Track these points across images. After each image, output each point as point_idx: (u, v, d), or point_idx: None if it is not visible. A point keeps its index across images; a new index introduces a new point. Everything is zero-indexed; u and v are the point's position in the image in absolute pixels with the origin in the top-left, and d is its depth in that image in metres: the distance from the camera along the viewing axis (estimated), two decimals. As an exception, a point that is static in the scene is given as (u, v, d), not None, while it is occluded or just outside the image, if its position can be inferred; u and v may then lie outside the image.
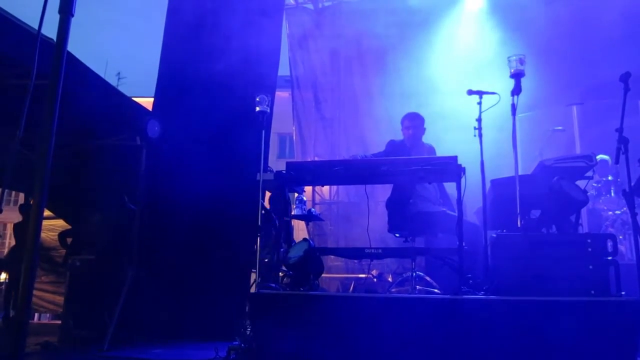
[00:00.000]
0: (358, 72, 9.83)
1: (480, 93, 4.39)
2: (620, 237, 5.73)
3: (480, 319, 3.37)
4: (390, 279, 7.11)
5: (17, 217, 7.13)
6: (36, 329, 6.41)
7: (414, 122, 5.28)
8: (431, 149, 5.28)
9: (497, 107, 4.31)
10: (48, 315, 8.31)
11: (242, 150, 5.53)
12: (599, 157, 5.81)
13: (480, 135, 4.31)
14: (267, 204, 5.34)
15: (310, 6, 10.26)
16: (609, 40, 7.28)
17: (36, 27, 1.89)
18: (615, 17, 7.34)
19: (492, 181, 4.50)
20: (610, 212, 6.03)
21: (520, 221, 3.86)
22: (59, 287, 6.97)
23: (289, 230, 4.77)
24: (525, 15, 8.17)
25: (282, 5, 8.21)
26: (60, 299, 6.59)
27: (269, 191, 5.10)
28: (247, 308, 3.98)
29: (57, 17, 1.79)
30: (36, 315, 8.26)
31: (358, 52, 9.81)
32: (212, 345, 4.09)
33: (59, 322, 6.32)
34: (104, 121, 5.22)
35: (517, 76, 4.07)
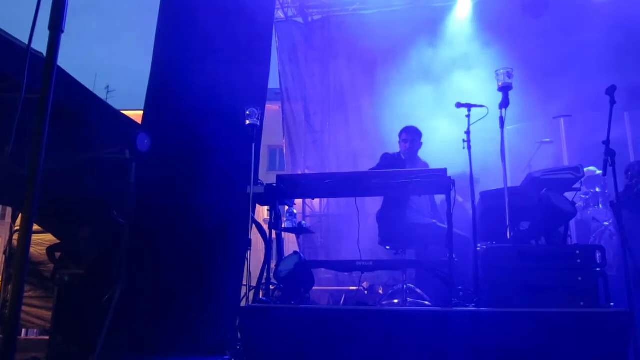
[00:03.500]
0: (347, 85, 9.90)
1: (468, 106, 4.42)
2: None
3: (471, 330, 3.38)
4: (381, 292, 7.10)
5: (4, 232, 7.05)
6: (23, 345, 6.32)
7: (412, 136, 5.32)
8: (425, 166, 5.30)
9: (486, 119, 4.34)
10: (35, 330, 8.19)
11: (233, 163, 5.52)
12: (587, 169, 5.88)
13: (470, 148, 4.33)
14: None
15: (299, 19, 10.33)
16: (596, 54, 7.38)
17: (26, 42, 1.89)
18: (602, 30, 7.45)
19: (482, 193, 4.53)
20: (598, 224, 6.07)
21: (510, 233, 3.88)
22: (47, 302, 6.88)
23: (280, 243, 4.75)
24: (513, 28, 8.27)
25: (272, 18, 8.25)
26: (48, 314, 6.50)
27: (260, 204, 5.10)
28: (237, 322, 3.96)
29: (47, 32, 1.79)
30: (23, 330, 8.15)
31: (347, 65, 9.89)
32: (202, 360, 4.06)
33: (47, 337, 6.24)
34: (93, 135, 5.19)
35: (505, 89, 4.11)
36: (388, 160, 5.19)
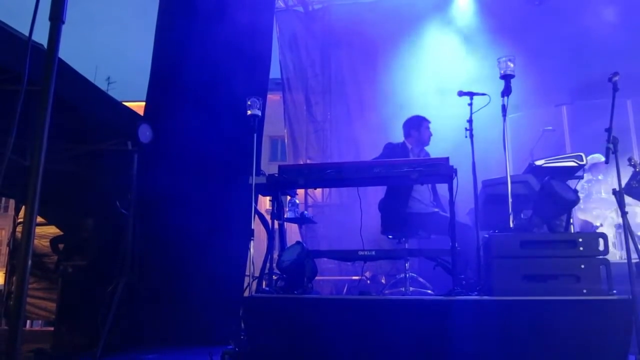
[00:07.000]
0: (349, 74, 9.86)
1: (470, 94, 4.42)
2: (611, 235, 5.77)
3: (474, 319, 3.39)
4: (383, 281, 7.13)
5: (7, 224, 7.07)
6: (28, 336, 6.36)
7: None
8: (427, 155, 5.28)
9: (488, 108, 4.33)
10: (40, 322, 8.25)
11: (235, 154, 5.53)
12: (590, 157, 5.86)
13: (472, 136, 4.33)
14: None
15: (300, 9, 10.26)
16: (598, 41, 7.34)
17: (27, 33, 1.89)
18: (604, 16, 7.40)
19: (484, 182, 4.53)
20: (601, 211, 6.06)
21: (512, 221, 3.88)
22: (51, 294, 6.92)
23: (282, 233, 4.76)
24: (515, 15, 8.21)
25: (272, 8, 8.21)
26: (52, 306, 6.55)
27: (262, 195, 5.10)
28: (241, 312, 3.98)
29: (48, 23, 1.79)
30: (28, 322, 8.20)
31: (348, 55, 9.84)
32: (206, 350, 4.08)
33: (52, 329, 6.28)
34: (95, 126, 5.20)
35: (507, 77, 4.09)
36: (392, 150, 5.16)
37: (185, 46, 6.25)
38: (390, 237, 5.25)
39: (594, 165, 6.10)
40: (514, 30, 7.91)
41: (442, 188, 4.65)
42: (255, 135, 4.68)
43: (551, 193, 3.85)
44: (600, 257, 3.47)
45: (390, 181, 4.70)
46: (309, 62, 10.23)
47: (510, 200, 3.89)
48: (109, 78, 30.04)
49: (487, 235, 3.83)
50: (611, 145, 3.65)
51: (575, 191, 3.98)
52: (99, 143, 5.48)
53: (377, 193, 5.83)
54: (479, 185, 4.35)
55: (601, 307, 3.26)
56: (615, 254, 5.54)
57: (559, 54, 7.75)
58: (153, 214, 5.57)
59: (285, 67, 10.14)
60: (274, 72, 7.81)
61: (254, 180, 4.56)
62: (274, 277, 4.45)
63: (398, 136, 5.44)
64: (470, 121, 4.36)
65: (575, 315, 3.26)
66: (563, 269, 3.47)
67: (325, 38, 10.11)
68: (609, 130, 3.68)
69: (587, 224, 6.18)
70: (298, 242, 4.51)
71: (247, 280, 4.96)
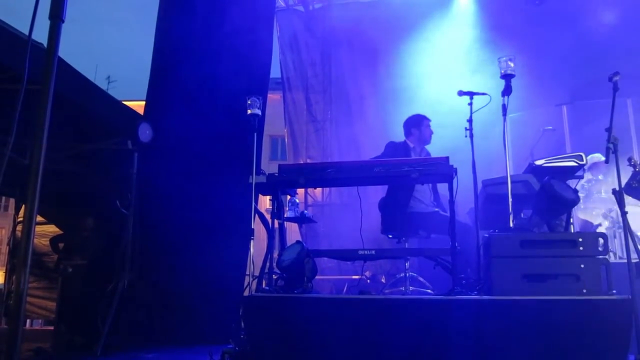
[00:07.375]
0: (349, 74, 9.85)
1: (471, 94, 4.41)
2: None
3: (474, 318, 3.39)
4: (383, 280, 7.13)
5: (7, 223, 7.08)
6: (28, 335, 6.36)
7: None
8: (428, 154, 5.28)
9: (488, 107, 4.33)
10: (40, 321, 8.26)
11: (234, 153, 5.52)
12: (590, 156, 5.86)
13: (472, 136, 4.32)
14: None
15: (300, 8, 10.26)
16: (598, 41, 7.33)
17: (26, 32, 1.88)
18: (604, 17, 7.39)
19: (484, 181, 4.53)
20: (601, 211, 6.06)
21: (512, 221, 3.88)
22: (51, 293, 6.93)
23: (282, 232, 4.76)
24: (515, 15, 8.21)
25: (273, 7, 8.22)
26: (52, 305, 6.55)
27: (262, 194, 5.10)
28: (241, 311, 3.98)
29: (48, 21, 1.79)
30: (28, 321, 8.20)
31: (349, 54, 9.83)
32: (206, 349, 4.08)
33: (52, 328, 6.28)
34: (95, 126, 5.20)
35: (507, 77, 4.09)
36: (393, 149, 5.15)
37: (186, 45, 6.25)
38: (390, 236, 5.25)
39: (594, 165, 6.10)
40: (514, 30, 7.91)
41: (443, 187, 4.65)
42: (255, 134, 4.68)
43: (551, 193, 3.85)
44: (600, 256, 3.47)
45: (390, 181, 4.70)
46: (309, 62, 10.23)
47: (510, 200, 3.89)
48: (109, 77, 30.16)
49: (487, 235, 3.82)
50: (611, 145, 3.64)
51: (575, 191, 3.98)
52: (99, 142, 5.48)
53: (377, 193, 5.83)
54: (479, 185, 4.35)
55: (601, 307, 3.25)
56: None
57: (559, 54, 7.75)
58: (153, 213, 5.57)
59: (286, 66, 10.14)
60: (274, 72, 7.81)
61: (254, 179, 4.56)
62: (274, 277, 4.45)
63: (398, 135, 5.44)
64: (470, 121, 4.36)
65: (575, 315, 3.25)
66: (563, 269, 3.46)
67: (326, 37, 10.11)
68: (609, 130, 3.68)
69: (587, 224, 6.18)
70: (298, 242, 4.51)
71: (247, 279, 4.96)
